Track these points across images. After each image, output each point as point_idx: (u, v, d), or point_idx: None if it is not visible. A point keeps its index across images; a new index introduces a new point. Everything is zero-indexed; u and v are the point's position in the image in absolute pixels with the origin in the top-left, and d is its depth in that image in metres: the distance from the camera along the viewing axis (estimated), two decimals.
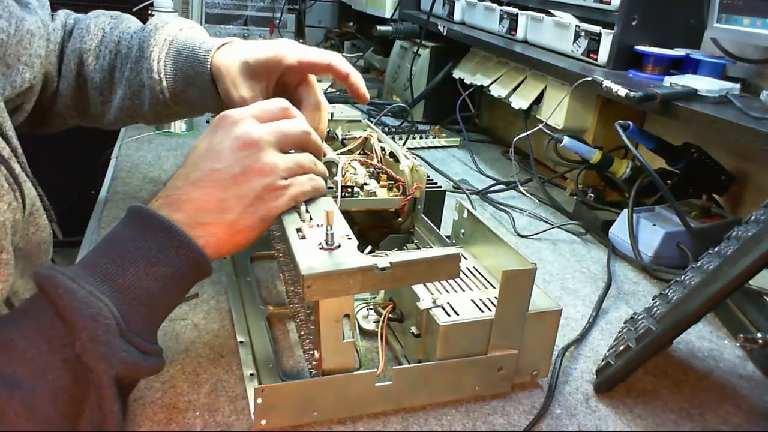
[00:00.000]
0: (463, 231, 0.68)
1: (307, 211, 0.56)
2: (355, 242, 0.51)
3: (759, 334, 0.54)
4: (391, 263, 0.48)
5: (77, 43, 0.75)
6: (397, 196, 0.75)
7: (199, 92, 0.70)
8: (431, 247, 0.69)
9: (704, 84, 0.85)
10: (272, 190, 0.54)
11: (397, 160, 0.78)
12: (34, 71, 0.67)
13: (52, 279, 0.44)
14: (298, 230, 0.53)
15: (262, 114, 0.56)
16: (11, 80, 0.64)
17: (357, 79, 0.70)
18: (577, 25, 1.05)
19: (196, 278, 0.51)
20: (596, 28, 1.01)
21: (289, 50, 0.67)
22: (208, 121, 0.90)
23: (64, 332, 0.43)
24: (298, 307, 0.60)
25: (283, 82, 0.69)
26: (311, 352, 0.54)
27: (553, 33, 1.12)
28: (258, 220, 0.53)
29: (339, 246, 0.51)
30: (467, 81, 1.36)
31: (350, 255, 0.50)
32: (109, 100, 0.76)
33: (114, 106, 0.75)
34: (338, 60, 0.69)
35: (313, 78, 0.71)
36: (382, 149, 0.82)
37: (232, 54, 0.68)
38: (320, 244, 0.51)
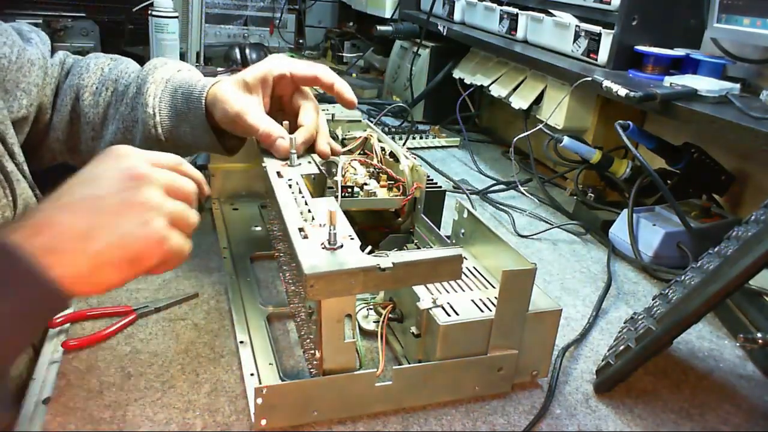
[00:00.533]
0: (463, 231, 0.68)
1: (310, 211, 0.56)
2: (357, 242, 0.51)
3: (759, 334, 0.54)
4: (393, 263, 0.48)
5: (75, 79, 0.76)
6: (397, 196, 0.75)
7: (190, 128, 0.72)
8: (431, 247, 0.69)
9: (704, 84, 0.85)
10: (151, 231, 0.46)
11: (397, 160, 0.78)
12: (30, 99, 0.69)
13: None
14: (301, 230, 0.53)
15: (155, 159, 0.50)
16: (9, 105, 0.65)
17: (342, 86, 0.73)
18: (577, 25, 1.05)
19: (49, 311, 0.45)
20: (596, 28, 1.01)
21: (278, 63, 0.71)
22: None
23: None
24: (298, 307, 0.60)
25: (278, 95, 0.73)
26: (312, 351, 0.54)
27: (553, 33, 1.12)
28: (126, 261, 0.45)
29: (342, 246, 0.50)
30: (467, 81, 1.36)
31: (353, 255, 0.49)
32: (100, 136, 0.76)
33: (105, 141, 0.76)
34: (323, 72, 0.72)
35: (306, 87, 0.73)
36: (382, 149, 0.82)
37: (226, 81, 0.71)
38: (323, 243, 0.50)
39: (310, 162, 0.69)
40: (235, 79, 0.70)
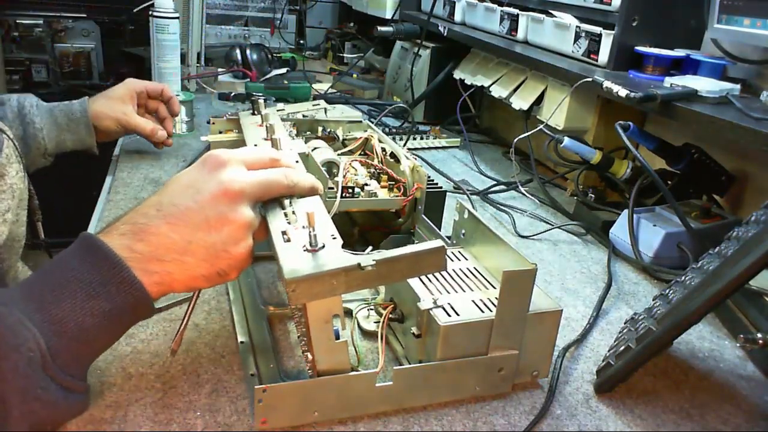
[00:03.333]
0: (463, 231, 0.68)
1: (294, 213, 0.55)
2: (339, 242, 0.51)
3: (759, 335, 0.54)
4: (375, 261, 0.48)
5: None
6: (397, 196, 0.75)
7: (72, 136, 0.93)
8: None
9: (704, 85, 0.85)
10: (241, 250, 0.51)
11: (397, 161, 0.78)
12: None
13: None
14: (284, 233, 0.52)
15: (251, 160, 0.54)
16: None
17: (173, 101, 1.07)
18: (577, 26, 1.05)
19: (135, 318, 0.50)
20: (597, 29, 1.01)
21: (134, 83, 1.01)
22: (209, 122, 0.90)
23: None
24: (294, 308, 0.60)
25: (140, 104, 1.03)
26: (307, 353, 0.54)
27: (553, 34, 1.12)
28: (215, 273, 0.51)
29: (323, 247, 0.50)
30: (468, 82, 1.36)
31: (334, 255, 0.49)
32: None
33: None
34: (166, 86, 1.06)
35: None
36: (383, 150, 0.83)
37: (96, 100, 0.97)
38: (304, 245, 0.50)
39: (297, 161, 0.68)
40: (107, 97, 0.98)
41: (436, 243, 0.49)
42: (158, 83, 1.07)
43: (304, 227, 0.52)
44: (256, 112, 0.86)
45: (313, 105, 0.91)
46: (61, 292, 0.45)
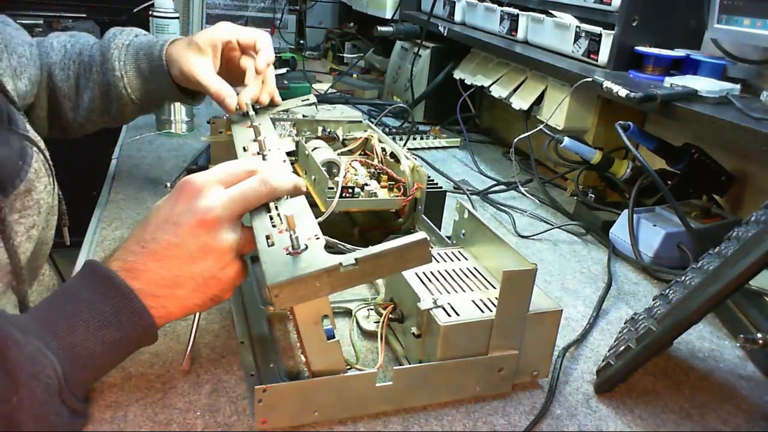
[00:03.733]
0: (463, 231, 0.68)
1: (279, 215, 0.54)
2: (322, 242, 0.50)
3: (759, 335, 0.54)
4: (356, 259, 0.47)
5: (44, 58, 0.83)
6: (397, 196, 0.75)
7: (155, 85, 0.82)
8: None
9: (704, 85, 0.85)
10: (229, 273, 0.53)
11: (397, 161, 0.78)
12: (34, 89, 0.79)
13: (3, 331, 0.43)
14: (268, 237, 0.52)
15: (226, 178, 0.54)
16: (19, 89, 0.73)
17: (262, 56, 0.82)
18: (577, 26, 1.05)
19: (140, 345, 0.51)
20: (597, 29, 1.01)
21: (225, 30, 0.81)
22: (209, 122, 0.90)
23: (6, 387, 0.42)
24: (286, 311, 0.60)
25: (226, 59, 0.83)
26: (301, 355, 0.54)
27: (553, 34, 1.12)
28: (208, 299, 0.53)
29: (306, 248, 0.49)
30: (468, 82, 1.36)
31: (315, 257, 0.48)
32: (77, 106, 0.85)
33: (83, 108, 0.84)
34: (262, 37, 0.83)
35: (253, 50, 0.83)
36: (383, 150, 0.83)
37: (180, 44, 0.81)
38: (287, 249, 0.49)
39: (284, 161, 0.68)
40: (188, 42, 0.80)
41: (419, 236, 0.49)
42: (252, 32, 0.82)
43: (287, 230, 0.51)
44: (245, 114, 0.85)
45: (302, 101, 0.91)
46: (75, 321, 0.47)
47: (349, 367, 0.54)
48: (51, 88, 0.83)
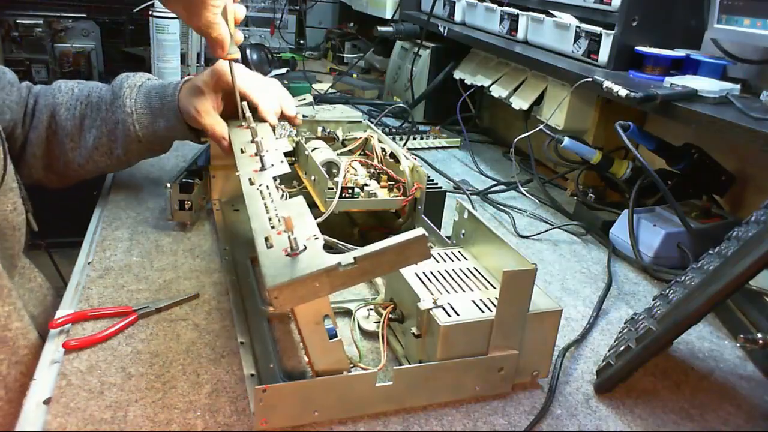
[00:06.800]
0: (463, 231, 0.68)
1: (277, 216, 0.54)
2: (321, 242, 0.50)
3: (759, 335, 0.54)
4: (355, 258, 0.47)
5: (50, 99, 0.85)
6: (397, 196, 0.75)
7: (165, 122, 0.83)
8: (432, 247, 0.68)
9: (704, 85, 0.85)
10: None
11: (397, 161, 0.78)
12: (12, 115, 0.80)
13: None
14: (267, 239, 0.51)
15: None
16: None
17: (265, 114, 0.81)
18: (577, 26, 1.05)
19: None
20: (596, 29, 1.01)
21: (225, 72, 0.79)
22: None
23: None
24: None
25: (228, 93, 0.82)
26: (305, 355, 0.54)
27: (553, 34, 1.12)
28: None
29: (305, 249, 0.49)
30: (468, 82, 1.36)
31: (314, 257, 0.48)
32: (79, 146, 0.85)
33: (86, 148, 0.85)
34: (254, 92, 0.81)
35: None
36: (383, 150, 0.83)
37: (189, 83, 0.83)
38: (286, 250, 0.49)
39: (282, 161, 0.68)
40: (192, 86, 0.81)
41: (417, 232, 0.49)
42: (242, 85, 0.79)
43: (285, 231, 0.51)
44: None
45: (300, 101, 0.91)
46: None
47: (352, 365, 0.54)
48: (53, 128, 0.84)
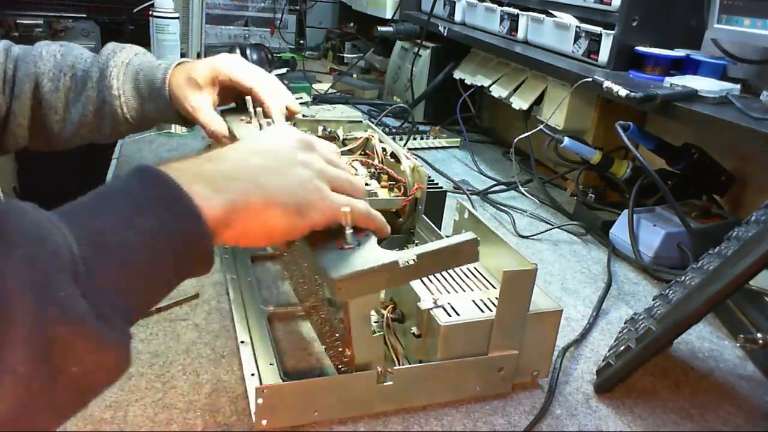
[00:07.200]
0: (463, 231, 0.68)
1: None
2: (374, 238, 0.50)
3: (759, 335, 0.54)
4: (416, 255, 0.47)
5: (31, 67, 0.79)
6: (398, 196, 0.75)
7: (155, 106, 0.80)
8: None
9: (704, 85, 0.85)
10: (318, 185, 0.48)
11: (398, 161, 0.78)
12: None
13: (5, 204, 0.34)
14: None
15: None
16: None
17: (270, 108, 0.77)
18: (577, 26, 1.05)
19: (189, 248, 0.40)
20: (597, 29, 1.01)
21: (224, 66, 0.79)
22: None
23: None
24: (317, 306, 0.60)
25: (225, 90, 0.80)
26: (339, 349, 0.54)
27: (553, 34, 1.12)
28: (294, 205, 0.45)
29: (359, 244, 0.49)
30: (468, 82, 1.36)
31: (374, 252, 0.48)
32: (64, 119, 0.81)
33: (72, 122, 0.81)
34: (261, 86, 0.78)
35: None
36: (383, 150, 0.82)
37: (180, 74, 0.79)
38: (339, 244, 0.49)
39: None
40: (187, 77, 0.78)
41: (470, 235, 0.50)
42: (248, 80, 0.78)
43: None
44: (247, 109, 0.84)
45: (296, 99, 0.91)
46: (99, 207, 0.38)
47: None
48: (37, 98, 0.80)
